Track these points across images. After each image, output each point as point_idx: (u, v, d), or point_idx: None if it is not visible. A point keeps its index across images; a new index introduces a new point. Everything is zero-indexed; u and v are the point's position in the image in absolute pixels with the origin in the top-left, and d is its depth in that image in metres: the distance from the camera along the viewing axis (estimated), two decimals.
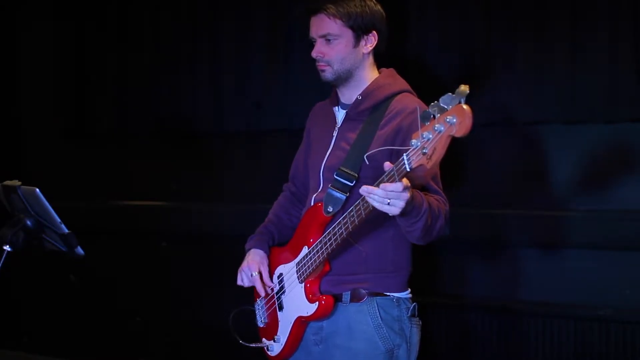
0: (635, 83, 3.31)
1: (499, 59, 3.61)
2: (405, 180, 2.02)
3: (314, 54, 2.45)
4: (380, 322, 2.38)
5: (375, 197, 2.05)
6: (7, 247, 2.53)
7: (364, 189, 2.07)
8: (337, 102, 2.55)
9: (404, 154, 1.96)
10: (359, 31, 2.42)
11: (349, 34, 2.41)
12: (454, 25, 3.71)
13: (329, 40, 2.42)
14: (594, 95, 3.39)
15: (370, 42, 2.45)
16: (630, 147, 3.40)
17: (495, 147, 3.69)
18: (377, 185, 2.05)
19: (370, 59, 2.48)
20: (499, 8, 3.60)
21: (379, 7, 2.48)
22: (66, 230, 2.56)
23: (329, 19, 2.40)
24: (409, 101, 2.41)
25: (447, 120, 1.83)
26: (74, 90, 5.11)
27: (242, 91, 4.42)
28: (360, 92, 2.46)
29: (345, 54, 2.42)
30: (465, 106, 1.82)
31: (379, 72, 2.52)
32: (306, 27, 2.50)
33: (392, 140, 2.33)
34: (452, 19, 3.72)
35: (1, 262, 2.51)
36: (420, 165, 1.93)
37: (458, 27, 3.71)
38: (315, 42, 2.46)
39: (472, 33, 3.67)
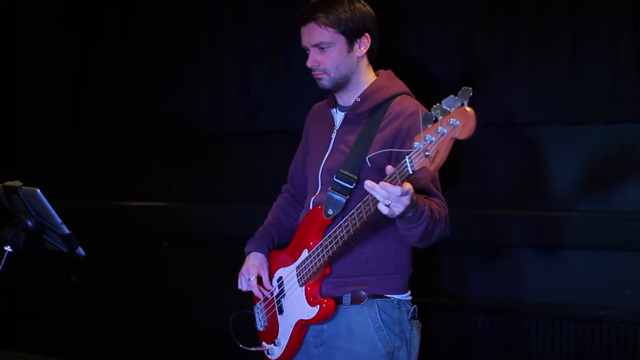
0: (636, 83, 3.31)
1: (499, 59, 3.60)
2: (407, 185, 2.00)
3: (309, 63, 2.43)
4: (381, 324, 2.37)
5: (377, 194, 2.03)
6: (8, 248, 2.53)
7: (367, 183, 2.03)
8: (335, 104, 2.53)
9: (406, 157, 1.94)
10: (352, 36, 2.39)
11: (341, 40, 2.39)
12: (454, 26, 3.71)
13: (323, 48, 2.39)
14: (594, 96, 3.39)
15: (364, 44, 2.42)
16: (630, 147, 3.40)
17: (495, 148, 3.69)
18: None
19: (365, 60, 2.46)
20: (499, 8, 3.60)
21: (367, 7, 2.45)
22: (67, 231, 2.57)
23: (320, 27, 2.37)
24: (408, 103, 2.40)
25: (450, 122, 1.82)
26: (74, 92, 5.11)
27: (242, 92, 4.42)
28: (359, 94, 2.44)
29: (340, 61, 2.40)
30: (468, 108, 1.81)
31: (376, 74, 2.51)
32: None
33: (391, 142, 2.31)
34: (452, 19, 3.72)
35: (2, 262, 2.52)
36: (423, 167, 1.92)
37: (458, 28, 3.70)
38: (308, 51, 2.44)
39: (472, 34, 3.67)
